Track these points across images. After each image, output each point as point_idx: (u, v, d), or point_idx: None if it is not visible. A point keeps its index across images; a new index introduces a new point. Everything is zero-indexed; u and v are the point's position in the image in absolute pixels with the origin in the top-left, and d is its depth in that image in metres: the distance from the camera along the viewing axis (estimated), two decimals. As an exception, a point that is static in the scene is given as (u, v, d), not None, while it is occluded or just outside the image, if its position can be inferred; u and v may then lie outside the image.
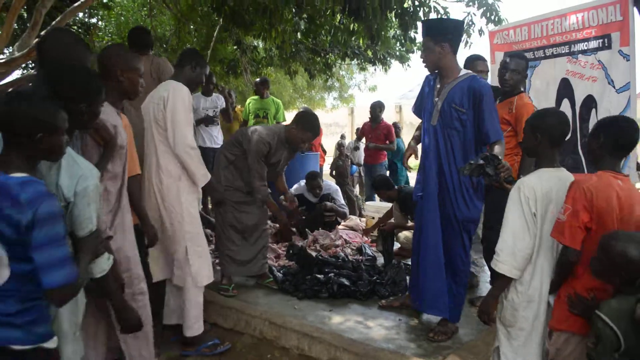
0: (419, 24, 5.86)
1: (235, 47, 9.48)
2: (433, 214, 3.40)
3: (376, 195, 7.65)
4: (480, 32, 6.44)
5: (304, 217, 5.70)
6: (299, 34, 7.45)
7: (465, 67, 4.06)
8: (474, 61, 4.47)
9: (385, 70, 10.09)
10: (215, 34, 8.59)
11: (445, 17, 5.90)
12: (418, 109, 3.69)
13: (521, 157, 3.78)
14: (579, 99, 5.13)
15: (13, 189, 1.76)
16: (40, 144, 1.86)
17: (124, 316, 2.41)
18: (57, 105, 1.95)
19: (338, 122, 26.33)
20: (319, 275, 4.41)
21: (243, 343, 3.74)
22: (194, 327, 3.54)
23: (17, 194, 1.75)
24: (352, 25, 6.53)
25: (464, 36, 6.44)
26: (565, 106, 5.20)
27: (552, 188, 2.47)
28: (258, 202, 4.26)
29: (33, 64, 9.26)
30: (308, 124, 4.30)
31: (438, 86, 3.43)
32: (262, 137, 4.21)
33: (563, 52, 5.29)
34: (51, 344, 1.92)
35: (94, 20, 12.40)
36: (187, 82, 3.53)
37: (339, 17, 6.80)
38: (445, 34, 3.33)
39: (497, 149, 3.18)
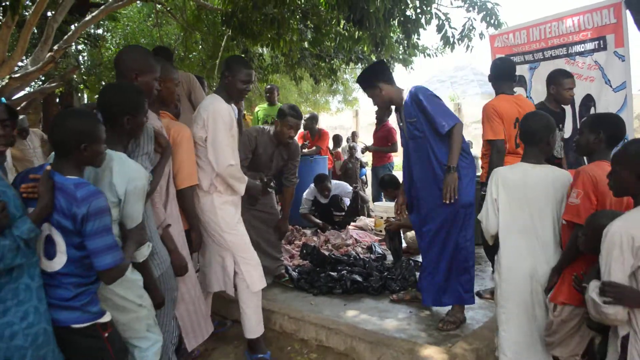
0: (421, 30, 6.10)
1: (242, 55, 9.70)
2: (428, 211, 3.79)
3: (383, 195, 7.90)
4: (481, 35, 6.62)
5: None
6: (306, 42, 7.67)
7: (550, 82, 4.30)
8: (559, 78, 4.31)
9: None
10: (222, 43, 8.79)
11: (445, 22, 6.12)
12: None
13: (490, 155, 4.05)
14: (578, 98, 5.33)
15: (70, 188, 2.12)
16: (85, 152, 2.18)
17: (153, 295, 2.68)
18: (97, 118, 2.30)
19: (343, 124, 26.51)
20: (332, 273, 4.64)
21: (264, 337, 3.97)
22: (257, 329, 3.65)
23: (74, 193, 2.11)
24: (356, 33, 6.74)
25: (465, 40, 6.64)
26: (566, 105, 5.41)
27: (522, 179, 2.89)
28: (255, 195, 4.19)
29: (47, 78, 9.48)
30: (282, 112, 4.48)
31: (399, 116, 3.91)
32: (250, 131, 4.51)
33: (561, 54, 5.51)
34: (105, 318, 2.27)
35: (100, 31, 12.59)
36: (226, 94, 3.58)
37: (342, 24, 7.03)
38: (375, 77, 3.83)
39: (455, 137, 3.55)
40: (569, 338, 2.74)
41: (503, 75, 4.19)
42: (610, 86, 5.07)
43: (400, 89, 3.86)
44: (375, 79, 3.83)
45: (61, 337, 2.16)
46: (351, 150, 9.86)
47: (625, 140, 2.74)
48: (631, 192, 2.30)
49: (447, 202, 3.52)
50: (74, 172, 2.19)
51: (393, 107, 4.04)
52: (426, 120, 3.65)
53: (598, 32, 5.08)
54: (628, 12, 4.78)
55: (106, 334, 2.26)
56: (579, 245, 2.54)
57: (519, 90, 5.85)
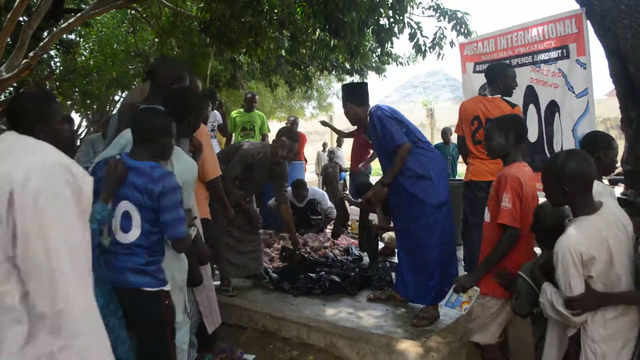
0: (394, 39, 6.31)
1: (216, 62, 9.79)
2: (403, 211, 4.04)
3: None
4: (452, 44, 6.86)
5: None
6: (282, 51, 7.82)
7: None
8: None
9: (362, 79, 10.50)
10: (211, 60, 8.85)
11: (417, 31, 6.35)
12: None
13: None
14: (543, 104, 5.58)
15: (147, 170, 2.49)
16: (160, 145, 2.57)
17: (193, 275, 3.02)
18: (171, 117, 2.66)
19: (317, 130, 26.66)
20: (311, 274, 4.80)
21: (247, 336, 4.13)
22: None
23: (151, 173, 2.48)
24: (332, 42, 6.93)
25: (436, 48, 6.86)
26: (532, 111, 5.65)
27: None
28: (231, 201, 4.35)
29: (21, 85, 9.41)
30: (279, 132, 4.74)
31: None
32: (249, 149, 4.64)
33: (527, 61, 5.75)
34: (168, 287, 2.60)
35: (72, 37, 12.52)
36: None
37: (318, 33, 7.21)
38: (346, 97, 4.20)
39: (397, 156, 3.86)
40: (488, 325, 3.07)
41: (487, 78, 4.51)
42: (574, 92, 5.31)
43: (364, 110, 4.14)
44: (346, 99, 4.20)
45: (131, 299, 2.49)
46: (330, 154, 10.02)
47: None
48: (567, 203, 2.42)
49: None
50: (147, 159, 2.54)
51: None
52: (378, 140, 4.00)
53: (561, 41, 5.32)
54: (589, 22, 5.04)
55: (167, 302, 2.56)
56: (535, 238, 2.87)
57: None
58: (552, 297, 2.35)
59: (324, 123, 8.70)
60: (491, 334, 3.09)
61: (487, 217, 3.13)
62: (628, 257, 2.34)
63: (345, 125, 9.05)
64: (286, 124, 8.78)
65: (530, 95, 5.71)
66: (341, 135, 8.41)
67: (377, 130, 3.94)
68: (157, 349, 2.57)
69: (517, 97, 5.67)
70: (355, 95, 4.19)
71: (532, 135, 5.50)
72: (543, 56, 5.56)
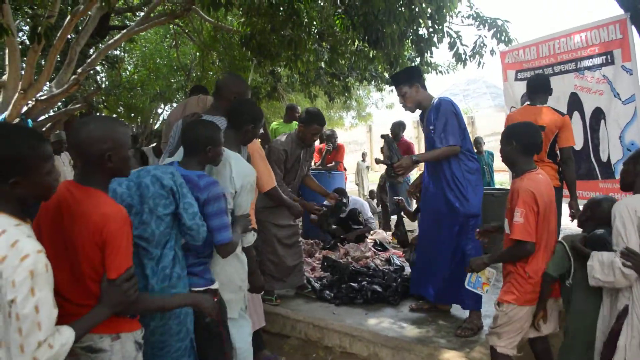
0: (434, 49, 6.31)
1: (269, 75, 9.92)
2: (437, 221, 4.05)
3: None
4: (492, 52, 6.81)
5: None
6: (322, 63, 7.90)
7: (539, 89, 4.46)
8: None
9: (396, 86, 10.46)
10: (251, 72, 8.99)
11: (457, 40, 6.33)
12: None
13: None
14: (588, 111, 5.49)
15: (194, 179, 2.61)
16: (209, 153, 2.70)
17: (252, 278, 3.15)
18: (219, 127, 2.79)
19: (357, 139, 26.77)
20: (353, 284, 4.82)
21: (290, 345, 4.17)
22: None
23: (197, 182, 2.59)
24: (371, 53, 6.97)
25: (477, 57, 6.82)
26: (576, 118, 5.57)
27: None
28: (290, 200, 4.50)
29: (69, 100, 9.74)
30: (310, 118, 4.77)
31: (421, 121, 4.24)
32: (277, 147, 4.76)
33: (570, 68, 5.68)
34: (215, 286, 2.71)
35: (117, 52, 12.90)
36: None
37: (357, 44, 7.26)
38: (412, 77, 4.13)
39: (439, 150, 3.89)
40: (509, 332, 3.01)
41: (534, 88, 4.48)
42: (620, 99, 5.22)
43: (430, 95, 4.15)
44: (412, 79, 4.11)
45: None
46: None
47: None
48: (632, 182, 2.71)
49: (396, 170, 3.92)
50: (197, 168, 2.69)
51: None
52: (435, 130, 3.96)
53: (605, 47, 5.25)
54: (634, 27, 4.95)
55: (215, 299, 2.61)
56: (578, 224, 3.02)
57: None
58: (603, 256, 2.60)
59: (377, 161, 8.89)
60: (510, 343, 3.03)
61: (507, 228, 3.09)
62: None
63: (383, 131, 9.07)
64: (324, 137, 8.85)
65: (575, 103, 5.64)
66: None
67: (439, 122, 3.92)
68: (212, 344, 2.69)
69: (561, 104, 5.62)
70: (420, 78, 4.17)
71: (578, 143, 5.42)
72: (587, 63, 5.48)
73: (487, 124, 20.83)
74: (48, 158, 1.85)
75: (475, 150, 8.96)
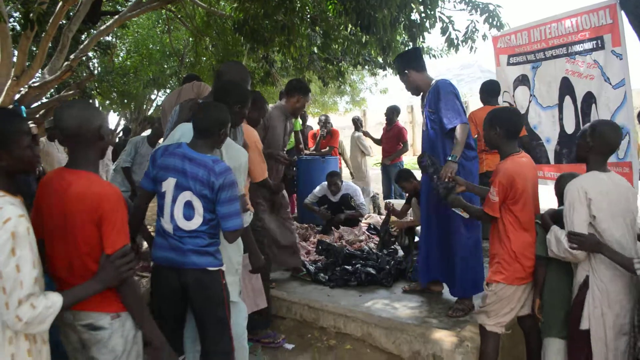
0: (426, 34, 6.35)
1: (262, 59, 9.91)
2: (432, 204, 4.05)
3: (393, 193, 8.16)
4: (484, 37, 6.83)
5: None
6: (315, 48, 7.92)
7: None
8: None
9: (396, 73, 10.46)
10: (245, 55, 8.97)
11: (449, 25, 6.37)
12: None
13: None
14: (579, 95, 5.54)
15: (210, 163, 2.65)
16: (222, 136, 2.79)
17: (254, 259, 3.26)
18: (227, 110, 2.85)
19: (351, 125, 26.73)
20: (347, 267, 4.90)
21: (286, 326, 4.27)
22: None
23: (213, 167, 2.64)
24: (364, 38, 6.99)
25: (469, 42, 6.86)
26: (568, 102, 5.62)
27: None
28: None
29: (62, 86, 9.71)
30: (292, 90, 4.85)
31: (422, 102, 4.22)
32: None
33: (561, 53, 5.71)
34: (224, 267, 2.79)
35: (109, 38, 12.82)
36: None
37: (350, 29, 7.27)
38: (406, 64, 4.16)
39: (457, 134, 3.84)
40: (498, 311, 3.13)
41: (490, 92, 5.46)
42: (610, 83, 5.27)
43: (429, 77, 4.18)
44: (406, 66, 4.17)
45: (195, 278, 2.66)
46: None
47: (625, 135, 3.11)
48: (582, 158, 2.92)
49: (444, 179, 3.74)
50: (208, 151, 2.74)
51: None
52: (437, 114, 3.98)
53: (595, 32, 5.28)
54: (623, 12, 4.99)
55: (224, 281, 2.77)
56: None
57: (522, 89, 6.09)
58: (557, 232, 2.83)
59: (365, 134, 8.98)
60: (499, 322, 3.14)
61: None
62: (624, 221, 2.79)
63: (378, 119, 9.13)
64: (318, 123, 8.90)
65: (566, 87, 5.68)
66: (376, 142, 8.59)
67: (443, 103, 3.93)
68: (217, 324, 2.75)
69: (553, 89, 5.68)
70: (416, 61, 4.18)
71: (569, 127, 5.50)
72: (578, 47, 5.51)
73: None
74: (26, 133, 2.01)
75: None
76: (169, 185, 2.69)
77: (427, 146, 4.16)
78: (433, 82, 4.10)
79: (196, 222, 2.66)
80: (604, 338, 2.73)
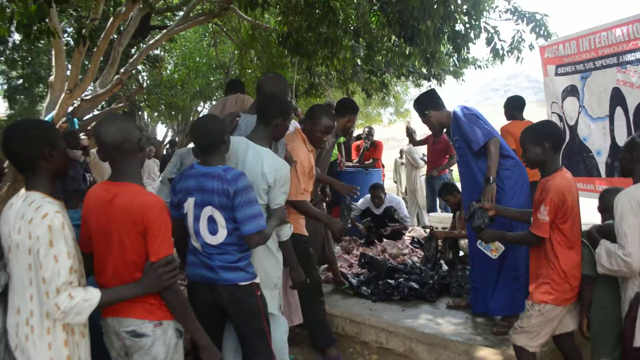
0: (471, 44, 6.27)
1: (306, 72, 9.98)
2: None
3: (437, 207, 8.06)
4: (531, 47, 6.71)
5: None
6: (358, 60, 7.92)
7: None
8: None
9: (440, 84, 10.40)
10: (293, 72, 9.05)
11: (495, 35, 6.28)
12: None
13: None
14: (631, 106, 5.35)
15: (221, 173, 2.70)
16: (224, 145, 2.79)
17: (294, 274, 3.26)
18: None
19: (395, 136, 26.60)
20: (390, 280, 4.86)
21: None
22: None
23: (225, 175, 2.68)
24: (407, 49, 6.96)
25: (515, 52, 6.74)
26: (619, 113, 5.44)
27: None
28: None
29: (112, 99, 10.00)
30: (345, 109, 4.70)
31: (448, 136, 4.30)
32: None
33: (612, 63, 5.55)
34: (258, 279, 2.81)
35: (157, 51, 13.15)
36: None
37: (393, 41, 7.25)
38: (424, 106, 4.23)
39: (489, 152, 3.86)
40: (538, 331, 3.00)
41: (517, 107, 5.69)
42: (663, 94, 5.09)
43: (448, 112, 4.22)
44: (425, 108, 4.25)
45: (228, 294, 2.70)
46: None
47: None
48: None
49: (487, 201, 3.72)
50: (219, 162, 2.77)
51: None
52: (463, 139, 4.01)
53: (648, 42, 5.12)
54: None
55: (258, 292, 2.78)
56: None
57: (571, 100, 5.93)
58: (609, 246, 2.70)
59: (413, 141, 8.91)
60: (537, 341, 3.02)
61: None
62: None
63: (422, 131, 9.06)
64: (361, 134, 8.90)
65: (617, 98, 5.50)
66: (415, 143, 8.47)
67: (462, 130, 4.00)
68: (256, 335, 2.78)
69: (603, 99, 5.52)
70: (433, 101, 4.27)
71: (621, 139, 5.31)
72: (629, 57, 5.34)
73: (529, 120, 20.33)
74: (61, 139, 2.19)
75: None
76: (189, 205, 2.76)
77: (465, 175, 4.17)
78: (451, 112, 4.19)
79: (222, 235, 2.70)
80: None
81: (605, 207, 3.05)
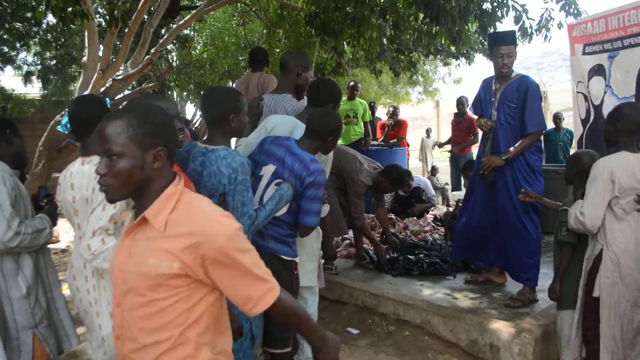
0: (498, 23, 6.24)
1: (332, 51, 10.02)
2: (503, 195, 3.96)
3: (462, 185, 8.10)
4: (559, 25, 6.62)
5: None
6: (385, 39, 7.94)
7: None
8: None
9: (469, 63, 10.31)
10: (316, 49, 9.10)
11: (523, 13, 6.24)
12: (476, 108, 4.27)
13: None
14: (663, 87, 5.31)
15: (307, 160, 2.80)
16: (327, 144, 2.94)
17: (327, 248, 3.48)
18: (339, 121, 3.08)
19: (424, 115, 26.48)
20: (410, 256, 4.96)
21: (347, 311, 4.41)
22: None
23: (309, 164, 2.79)
24: (434, 28, 6.96)
25: (543, 31, 6.68)
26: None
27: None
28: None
29: (142, 79, 10.20)
30: (394, 179, 4.88)
31: (494, 88, 4.04)
32: (365, 180, 4.71)
33: (641, 42, 5.48)
34: (297, 259, 2.93)
35: (187, 32, 13.29)
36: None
37: (420, 20, 7.25)
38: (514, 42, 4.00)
39: (528, 137, 3.83)
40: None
41: None
42: (695, 73, 5.03)
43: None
44: (515, 41, 4.07)
45: (269, 264, 2.63)
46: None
47: None
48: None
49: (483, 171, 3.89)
50: (311, 152, 2.87)
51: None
52: (521, 112, 3.88)
53: (679, 20, 5.05)
54: None
55: (295, 272, 2.90)
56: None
57: (598, 79, 5.89)
58: (577, 206, 2.97)
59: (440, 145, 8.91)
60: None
61: None
62: None
63: (451, 109, 9.02)
64: (386, 114, 8.95)
65: (645, 78, 5.45)
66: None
67: (529, 103, 3.82)
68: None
69: (630, 79, 5.46)
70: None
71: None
72: (659, 36, 5.28)
73: (561, 100, 19.97)
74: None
75: (554, 126, 8.75)
76: (268, 170, 2.87)
77: (502, 139, 3.96)
78: (515, 74, 3.98)
79: (282, 210, 2.78)
80: (614, 307, 2.88)
81: (577, 172, 3.23)
